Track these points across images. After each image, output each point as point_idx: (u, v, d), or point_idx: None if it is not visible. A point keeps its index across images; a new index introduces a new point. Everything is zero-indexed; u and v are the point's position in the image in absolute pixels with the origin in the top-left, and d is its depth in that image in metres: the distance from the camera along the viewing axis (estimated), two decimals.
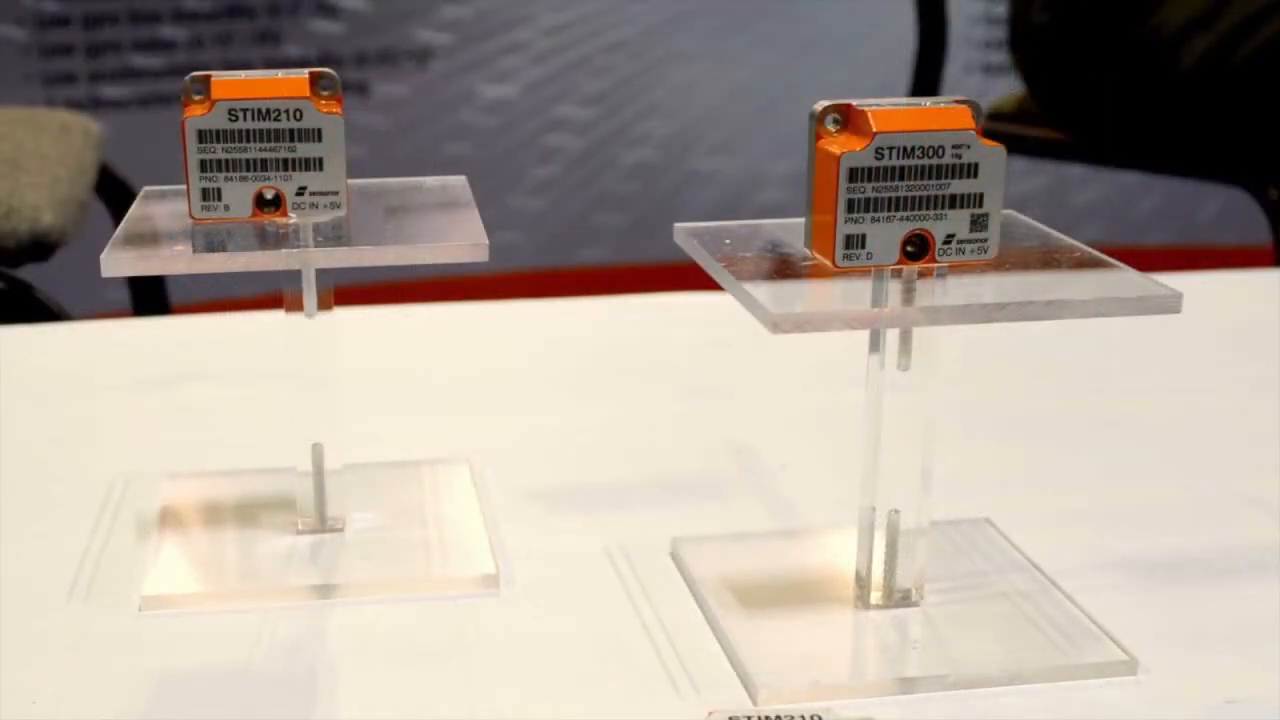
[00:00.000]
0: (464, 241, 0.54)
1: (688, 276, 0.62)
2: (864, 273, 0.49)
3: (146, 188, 0.60)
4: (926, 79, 1.62)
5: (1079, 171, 2.38)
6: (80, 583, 0.58)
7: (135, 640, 0.54)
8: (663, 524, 0.62)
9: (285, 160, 0.54)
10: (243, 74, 0.55)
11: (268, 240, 0.55)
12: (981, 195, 0.49)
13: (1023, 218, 0.56)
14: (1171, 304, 0.50)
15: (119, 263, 0.53)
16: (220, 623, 0.55)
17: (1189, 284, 0.52)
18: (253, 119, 0.54)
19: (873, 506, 0.53)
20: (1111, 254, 0.53)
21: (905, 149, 0.48)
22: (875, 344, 0.52)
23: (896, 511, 0.53)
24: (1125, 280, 0.51)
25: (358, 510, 0.62)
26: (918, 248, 0.49)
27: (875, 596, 0.54)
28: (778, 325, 0.47)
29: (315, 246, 0.54)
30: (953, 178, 0.49)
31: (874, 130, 0.48)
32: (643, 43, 2.35)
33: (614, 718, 0.50)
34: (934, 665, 0.51)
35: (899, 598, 0.54)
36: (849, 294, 0.50)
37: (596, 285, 1.93)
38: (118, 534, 0.62)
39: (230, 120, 0.54)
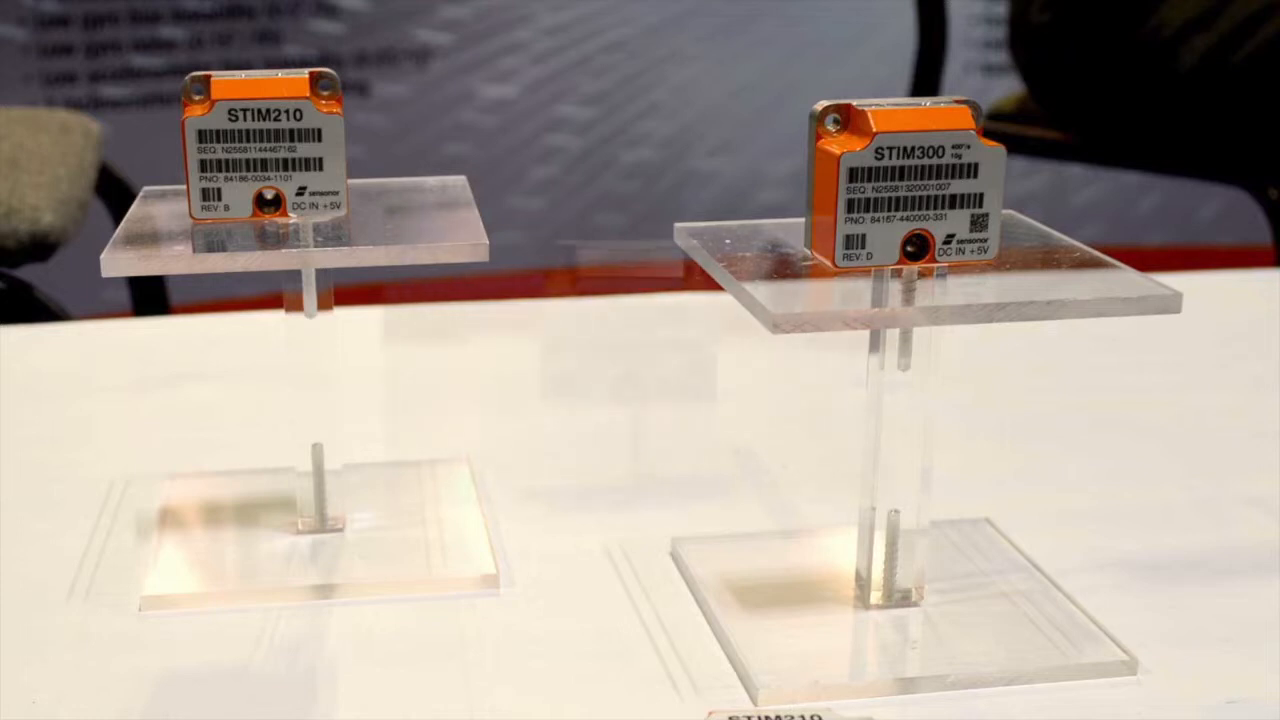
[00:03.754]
0: (464, 241, 0.54)
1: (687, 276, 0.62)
2: (864, 273, 0.49)
3: (146, 188, 0.60)
4: (926, 79, 1.62)
5: (1079, 171, 2.38)
6: (80, 583, 0.58)
7: (135, 640, 0.54)
8: (663, 524, 0.62)
9: (285, 160, 0.54)
10: (243, 74, 0.55)
11: (268, 240, 0.55)
12: (981, 195, 0.49)
13: (1023, 217, 0.56)
14: (1171, 304, 0.50)
15: (119, 263, 0.53)
16: (220, 623, 0.55)
17: (1189, 284, 0.52)
18: (253, 119, 0.54)
19: (873, 506, 0.53)
20: (1111, 254, 0.53)
21: (905, 149, 0.48)
22: (875, 344, 0.52)
23: (896, 511, 0.53)
24: (1125, 280, 0.51)
25: (358, 510, 0.62)
26: (918, 248, 0.49)
27: (875, 596, 0.54)
28: (778, 325, 0.47)
29: (315, 246, 0.54)
30: (953, 178, 0.49)
31: (874, 130, 0.48)
32: (643, 43, 2.35)
33: (614, 718, 0.50)
34: (934, 665, 0.51)
35: (899, 598, 0.54)
36: (849, 294, 0.50)
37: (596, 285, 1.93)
38: (118, 534, 0.62)
39: (230, 120, 0.54)
